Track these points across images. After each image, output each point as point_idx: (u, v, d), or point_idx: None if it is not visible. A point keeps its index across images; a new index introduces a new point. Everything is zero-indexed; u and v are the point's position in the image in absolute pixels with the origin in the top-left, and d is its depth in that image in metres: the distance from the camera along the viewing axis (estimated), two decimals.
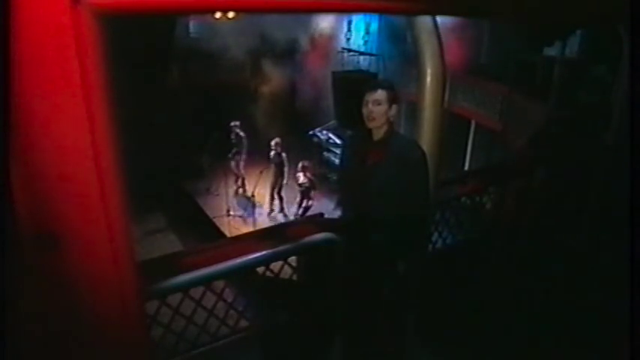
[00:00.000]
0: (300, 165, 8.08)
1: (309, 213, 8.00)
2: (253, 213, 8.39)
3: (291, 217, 8.21)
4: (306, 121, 10.48)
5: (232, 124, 8.91)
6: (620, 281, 1.52)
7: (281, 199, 8.44)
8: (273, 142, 8.28)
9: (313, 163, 8.99)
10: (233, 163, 8.94)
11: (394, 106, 2.25)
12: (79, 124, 0.63)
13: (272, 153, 8.33)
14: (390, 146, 2.26)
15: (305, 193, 8.11)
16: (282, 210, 8.47)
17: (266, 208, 8.63)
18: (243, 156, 8.81)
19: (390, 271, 2.44)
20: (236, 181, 9.05)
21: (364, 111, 2.22)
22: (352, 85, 7.83)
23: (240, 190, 9.04)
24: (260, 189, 8.45)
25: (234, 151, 8.89)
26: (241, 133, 8.81)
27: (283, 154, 8.29)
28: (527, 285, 3.27)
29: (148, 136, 8.76)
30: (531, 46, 8.65)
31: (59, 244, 0.67)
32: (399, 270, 2.42)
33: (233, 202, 8.69)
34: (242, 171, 8.95)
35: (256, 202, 8.61)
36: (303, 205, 8.15)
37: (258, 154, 8.95)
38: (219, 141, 9.19)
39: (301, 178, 8.03)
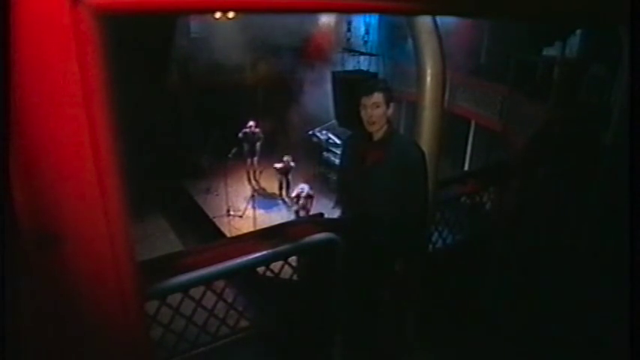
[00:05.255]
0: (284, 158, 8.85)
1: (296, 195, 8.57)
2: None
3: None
4: (305, 121, 10.49)
5: (249, 124, 9.32)
6: (620, 281, 1.52)
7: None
8: (285, 158, 9.04)
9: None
10: (249, 160, 9.57)
11: (392, 105, 2.24)
12: (79, 124, 0.63)
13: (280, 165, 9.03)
14: (389, 146, 2.25)
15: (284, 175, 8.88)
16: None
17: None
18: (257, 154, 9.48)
19: (390, 271, 2.44)
20: (250, 176, 9.59)
21: (363, 115, 2.21)
22: (352, 85, 7.82)
23: (253, 182, 9.61)
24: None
25: (246, 149, 9.35)
26: (258, 131, 9.32)
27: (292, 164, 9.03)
28: (527, 285, 3.27)
29: (148, 136, 8.78)
30: (531, 46, 8.66)
31: (59, 244, 0.67)
32: (397, 270, 2.42)
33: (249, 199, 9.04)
34: (256, 165, 9.62)
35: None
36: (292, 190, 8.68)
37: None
38: (220, 140, 9.23)
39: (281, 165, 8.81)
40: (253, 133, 9.29)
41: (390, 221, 2.27)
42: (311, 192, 8.36)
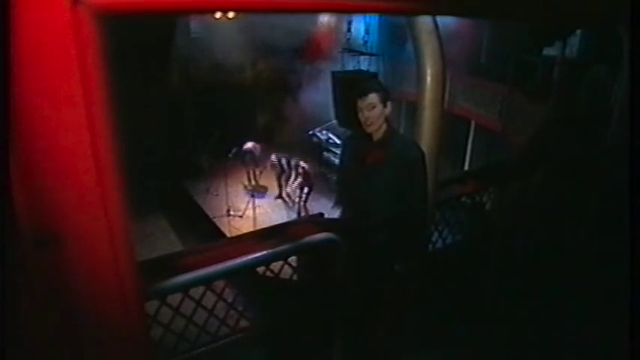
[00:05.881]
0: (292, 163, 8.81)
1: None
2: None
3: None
4: (305, 120, 10.50)
5: (249, 145, 9.39)
6: (620, 281, 1.52)
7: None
8: (273, 156, 9.09)
9: (313, 162, 9.44)
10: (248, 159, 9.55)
11: (389, 104, 2.23)
12: (79, 123, 0.64)
13: (273, 157, 9.02)
14: (389, 146, 2.25)
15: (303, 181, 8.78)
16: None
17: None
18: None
19: (390, 271, 2.44)
20: (251, 176, 9.66)
21: (360, 117, 2.20)
22: (352, 86, 7.81)
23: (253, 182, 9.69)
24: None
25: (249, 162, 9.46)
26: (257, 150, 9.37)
27: (283, 161, 9.01)
28: (527, 285, 3.27)
29: (147, 135, 8.78)
30: (531, 46, 8.64)
31: (59, 244, 0.67)
32: (397, 270, 2.42)
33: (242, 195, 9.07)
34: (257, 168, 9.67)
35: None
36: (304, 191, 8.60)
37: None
38: (220, 140, 9.23)
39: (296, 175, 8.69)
40: (253, 151, 9.36)
41: (390, 221, 2.27)
42: (307, 167, 8.36)
